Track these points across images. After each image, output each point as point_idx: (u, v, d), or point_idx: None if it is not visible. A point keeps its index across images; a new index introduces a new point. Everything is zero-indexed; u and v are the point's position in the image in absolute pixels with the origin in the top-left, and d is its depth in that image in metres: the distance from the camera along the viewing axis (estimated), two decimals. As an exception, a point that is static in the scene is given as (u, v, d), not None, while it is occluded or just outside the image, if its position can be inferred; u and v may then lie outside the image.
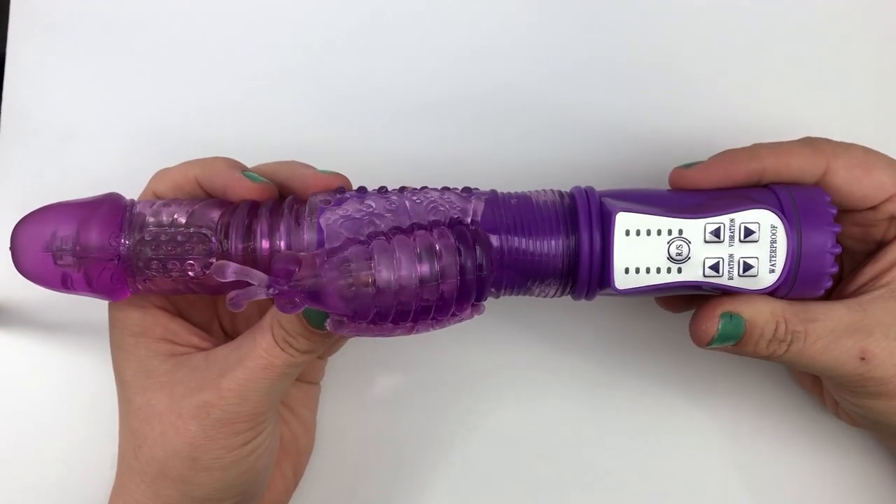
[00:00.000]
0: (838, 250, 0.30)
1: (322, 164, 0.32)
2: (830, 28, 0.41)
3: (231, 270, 0.26)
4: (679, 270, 0.29)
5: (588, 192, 0.31)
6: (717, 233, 0.29)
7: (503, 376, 0.40)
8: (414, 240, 0.27)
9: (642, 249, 0.29)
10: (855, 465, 0.39)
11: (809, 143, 0.32)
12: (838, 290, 0.34)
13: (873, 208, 0.32)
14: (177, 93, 0.41)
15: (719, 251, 0.29)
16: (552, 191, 0.32)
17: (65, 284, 0.30)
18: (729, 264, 0.29)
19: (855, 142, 0.33)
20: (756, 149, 0.32)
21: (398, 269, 0.26)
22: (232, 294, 0.26)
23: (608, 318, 0.40)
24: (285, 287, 0.25)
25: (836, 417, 0.37)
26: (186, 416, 0.30)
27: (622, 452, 0.39)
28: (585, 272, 0.30)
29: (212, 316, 0.36)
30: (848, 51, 0.41)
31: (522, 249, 0.30)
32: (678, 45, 0.41)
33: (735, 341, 0.31)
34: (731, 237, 0.29)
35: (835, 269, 0.30)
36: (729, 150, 0.32)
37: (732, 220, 0.29)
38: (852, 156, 0.31)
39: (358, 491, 0.40)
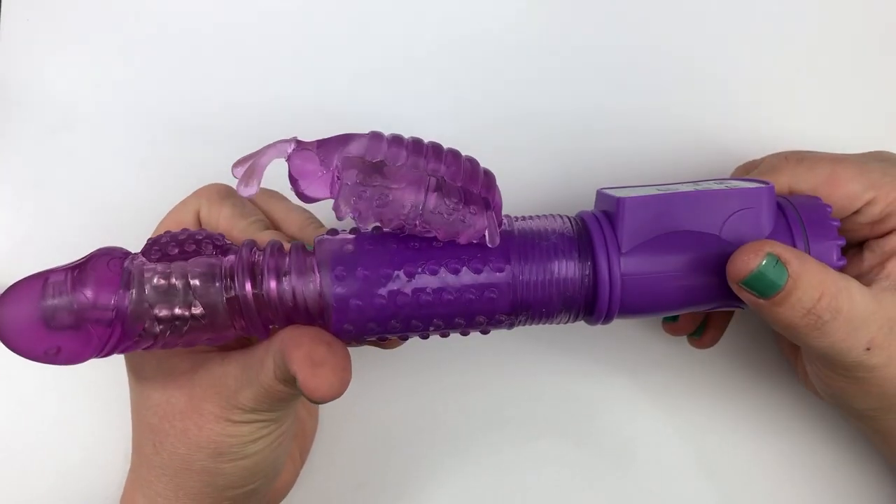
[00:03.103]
0: (843, 263, 0.30)
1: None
2: (836, 28, 0.41)
3: (242, 159, 0.27)
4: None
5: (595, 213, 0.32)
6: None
7: (504, 364, 0.40)
8: (422, 145, 0.28)
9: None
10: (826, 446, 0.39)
11: (770, 170, 0.32)
12: None
13: (856, 212, 0.32)
14: (175, 77, 0.40)
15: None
16: (559, 216, 0.32)
17: (51, 355, 0.27)
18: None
19: (859, 142, 0.34)
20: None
21: (408, 149, 0.27)
22: (241, 172, 0.27)
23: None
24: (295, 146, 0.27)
25: (805, 388, 0.37)
26: (208, 416, 0.29)
27: (617, 446, 0.40)
28: (605, 283, 0.30)
29: None
30: (853, 50, 0.41)
31: (537, 271, 0.30)
32: (683, 50, 0.41)
33: (774, 292, 0.28)
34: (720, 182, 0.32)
35: None
36: None
37: (720, 182, 0.32)
38: (817, 174, 0.31)
39: (357, 473, 0.39)
